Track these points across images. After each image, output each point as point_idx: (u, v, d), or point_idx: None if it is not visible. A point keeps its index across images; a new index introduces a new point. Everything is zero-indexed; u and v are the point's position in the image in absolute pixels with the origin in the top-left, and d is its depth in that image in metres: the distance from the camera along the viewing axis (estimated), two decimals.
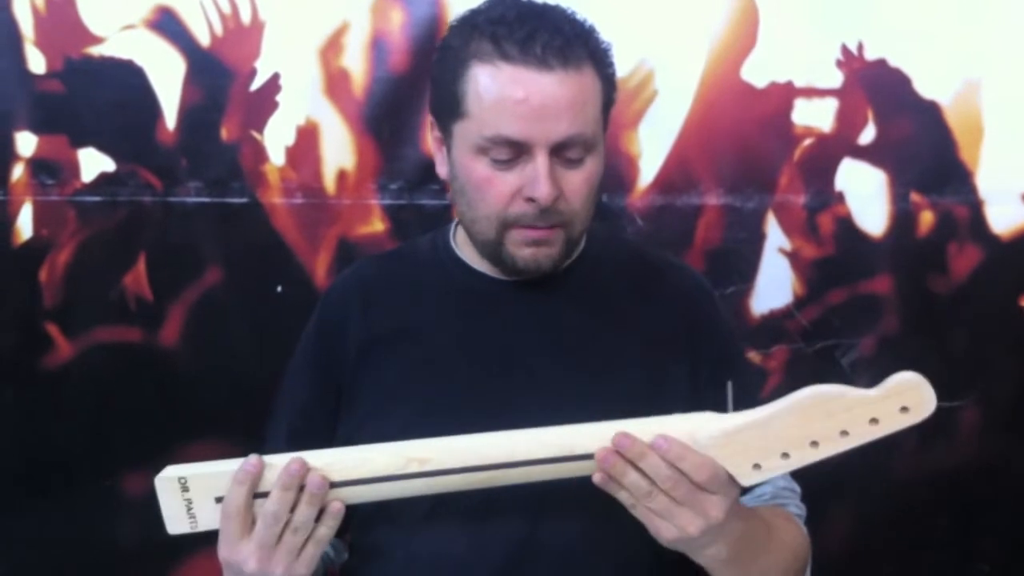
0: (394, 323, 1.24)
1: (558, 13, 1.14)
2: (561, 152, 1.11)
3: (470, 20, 1.15)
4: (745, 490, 1.17)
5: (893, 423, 0.95)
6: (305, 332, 1.31)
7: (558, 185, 1.11)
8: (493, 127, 1.10)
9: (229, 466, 1.04)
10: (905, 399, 0.94)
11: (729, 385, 1.00)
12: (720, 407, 1.16)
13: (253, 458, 1.01)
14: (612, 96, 1.18)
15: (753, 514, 1.10)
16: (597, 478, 0.99)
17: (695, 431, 0.98)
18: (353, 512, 1.18)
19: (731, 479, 0.99)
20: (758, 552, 1.08)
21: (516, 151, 1.11)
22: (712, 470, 0.97)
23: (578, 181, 1.13)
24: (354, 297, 1.28)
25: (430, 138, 1.25)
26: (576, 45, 1.10)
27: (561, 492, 1.13)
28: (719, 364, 1.22)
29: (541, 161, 1.09)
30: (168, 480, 1.04)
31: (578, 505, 1.15)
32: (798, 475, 1.28)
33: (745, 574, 1.08)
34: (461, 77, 1.12)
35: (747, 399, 1.25)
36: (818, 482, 1.33)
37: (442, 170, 1.22)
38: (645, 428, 0.99)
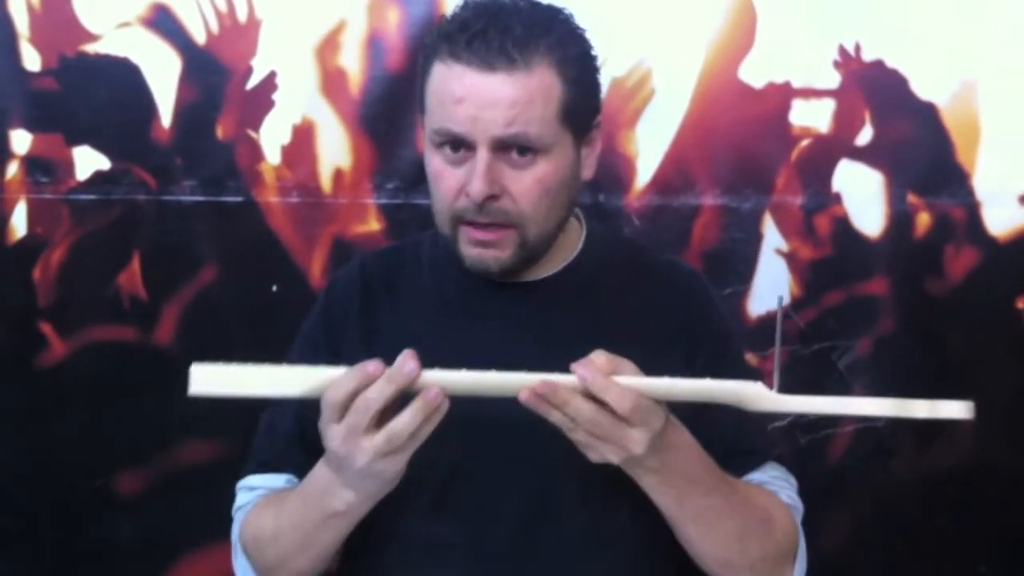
0: (391, 320, 1.24)
1: (518, 13, 1.14)
2: (506, 151, 1.12)
3: (442, 20, 1.18)
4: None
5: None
6: (308, 321, 1.31)
7: (499, 183, 1.12)
8: (439, 121, 1.13)
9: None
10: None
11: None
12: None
13: (374, 363, 1.00)
14: (583, 100, 1.16)
15: (700, 452, 1.11)
16: (522, 395, 1.00)
17: (742, 401, 1.01)
18: None
19: (656, 410, 1.01)
20: (695, 480, 1.10)
21: (462, 145, 1.13)
22: (634, 402, 0.99)
23: (527, 182, 1.13)
24: (355, 291, 1.28)
25: None
26: (527, 45, 1.11)
27: (560, 495, 1.15)
28: (715, 363, 1.22)
29: (480, 157, 1.11)
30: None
31: (576, 508, 1.16)
32: (794, 475, 1.29)
33: (680, 495, 1.09)
34: (425, 74, 1.16)
35: None
36: (816, 484, 1.33)
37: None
38: (688, 385, 1.01)
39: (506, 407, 1.07)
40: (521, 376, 1.00)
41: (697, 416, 1.10)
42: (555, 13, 1.17)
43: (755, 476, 1.23)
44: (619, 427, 1.00)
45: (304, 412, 1.25)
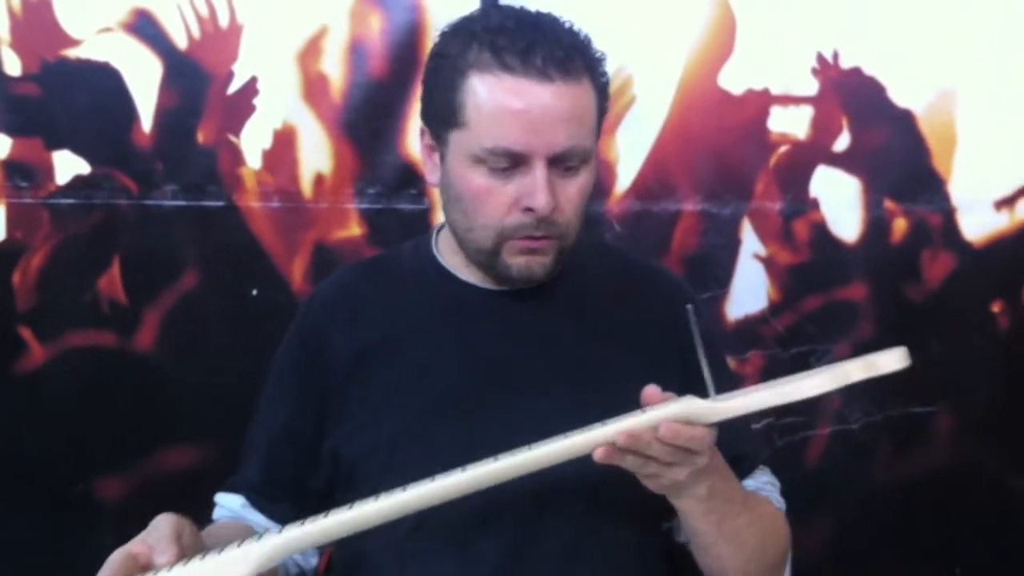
0: (381, 334, 1.23)
1: (556, 24, 1.14)
2: (559, 163, 1.12)
3: (466, 28, 1.14)
4: None
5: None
6: (285, 343, 1.29)
7: (555, 196, 1.12)
8: (493, 138, 1.10)
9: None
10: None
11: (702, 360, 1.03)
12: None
13: None
14: (606, 106, 1.18)
15: (730, 472, 1.13)
16: (598, 454, 1.00)
17: (691, 417, 1.02)
18: None
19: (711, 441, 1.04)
20: (732, 501, 1.12)
21: (514, 161, 1.11)
22: (708, 439, 1.02)
23: (573, 191, 1.14)
24: (339, 306, 1.26)
25: (420, 145, 1.24)
26: (574, 57, 1.11)
27: (548, 508, 1.15)
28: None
29: (540, 172, 1.10)
30: None
31: (564, 523, 1.16)
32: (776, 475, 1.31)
33: (721, 518, 1.11)
34: (459, 87, 1.11)
35: None
36: (798, 488, 1.34)
37: (433, 177, 1.21)
38: (640, 420, 1.01)
39: (491, 422, 1.08)
40: (591, 434, 1.00)
41: None
42: (572, 24, 1.17)
43: (749, 483, 1.24)
44: (685, 456, 1.02)
45: (277, 436, 1.25)
